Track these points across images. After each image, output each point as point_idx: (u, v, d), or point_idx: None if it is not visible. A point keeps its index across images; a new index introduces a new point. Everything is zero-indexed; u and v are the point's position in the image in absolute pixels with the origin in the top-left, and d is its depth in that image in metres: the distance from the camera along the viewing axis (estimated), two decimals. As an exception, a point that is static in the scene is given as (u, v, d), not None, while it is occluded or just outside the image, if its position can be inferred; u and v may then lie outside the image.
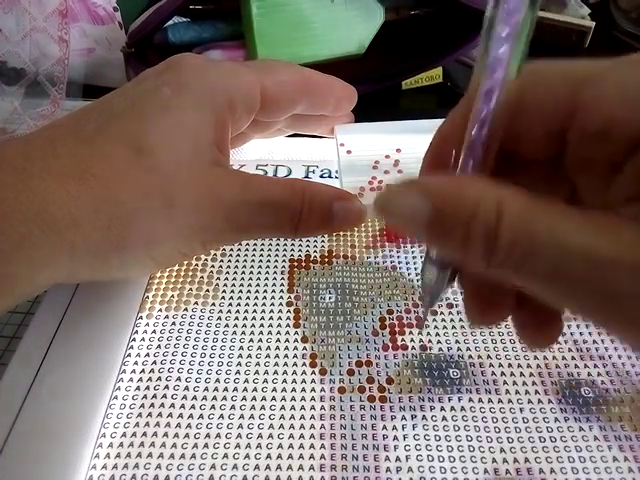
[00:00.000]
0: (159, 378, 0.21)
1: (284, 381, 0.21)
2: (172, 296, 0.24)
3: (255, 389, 0.21)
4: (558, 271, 0.13)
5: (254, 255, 0.26)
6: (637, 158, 0.13)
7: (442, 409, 0.20)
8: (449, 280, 0.17)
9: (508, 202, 0.13)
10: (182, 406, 0.20)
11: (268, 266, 0.26)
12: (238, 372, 0.21)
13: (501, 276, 0.14)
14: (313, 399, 0.21)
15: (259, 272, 0.26)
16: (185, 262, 0.26)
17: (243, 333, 0.23)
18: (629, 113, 0.13)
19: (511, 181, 0.13)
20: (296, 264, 0.26)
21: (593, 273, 0.12)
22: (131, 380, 0.21)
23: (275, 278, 0.25)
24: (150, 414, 0.20)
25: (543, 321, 0.17)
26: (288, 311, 0.24)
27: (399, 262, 0.26)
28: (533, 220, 0.13)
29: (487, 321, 0.18)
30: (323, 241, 0.27)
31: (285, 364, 0.22)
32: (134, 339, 0.22)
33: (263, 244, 0.27)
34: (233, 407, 0.20)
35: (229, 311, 0.24)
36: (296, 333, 0.23)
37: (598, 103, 0.13)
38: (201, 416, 0.20)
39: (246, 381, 0.21)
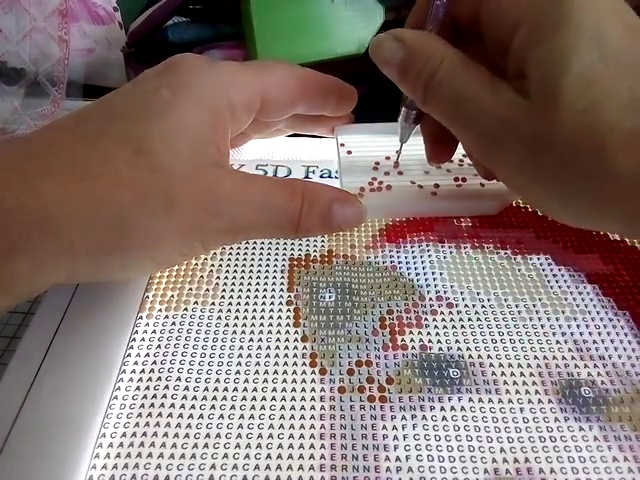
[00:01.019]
0: (159, 378, 0.21)
1: (284, 381, 0.21)
2: (172, 296, 0.24)
3: (255, 389, 0.21)
4: (456, 108, 0.20)
5: (254, 254, 0.26)
6: (514, 46, 0.19)
7: (442, 409, 0.20)
8: (415, 120, 0.25)
9: (448, 59, 0.20)
10: (182, 406, 0.20)
11: (268, 265, 0.26)
12: (238, 372, 0.21)
13: (430, 109, 0.21)
14: (313, 399, 0.21)
15: (259, 271, 0.26)
16: (185, 262, 0.26)
17: (243, 333, 0.23)
18: (508, 11, 0.19)
19: (457, 45, 0.20)
20: (296, 263, 0.26)
21: (477, 114, 0.19)
22: (131, 380, 0.21)
23: (275, 277, 0.25)
24: (150, 414, 0.20)
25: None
26: (288, 310, 0.24)
27: (399, 262, 0.26)
28: (455, 71, 0.19)
29: (439, 158, 0.27)
30: (323, 241, 0.27)
31: (285, 364, 0.22)
32: (134, 339, 0.22)
33: (263, 243, 0.27)
34: (233, 407, 0.20)
35: (229, 311, 0.24)
36: (296, 332, 0.23)
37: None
38: (201, 416, 0.20)
39: (246, 381, 0.21)
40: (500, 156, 0.20)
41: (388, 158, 0.29)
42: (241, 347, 0.22)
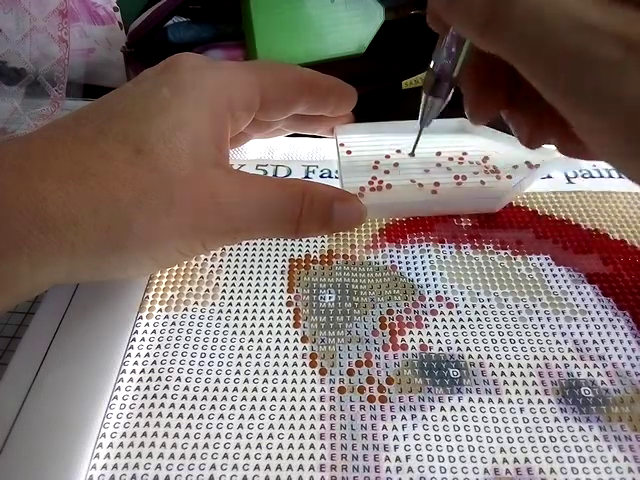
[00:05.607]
0: (159, 378, 0.21)
1: (284, 381, 0.21)
2: (172, 296, 0.24)
3: (255, 389, 0.21)
4: (544, 29, 0.14)
5: (254, 255, 0.26)
6: None
7: (442, 409, 0.20)
8: (446, 93, 0.22)
9: None
10: (182, 406, 0.20)
11: (268, 266, 0.26)
12: (238, 372, 0.21)
13: (498, 36, 0.15)
14: (313, 399, 0.21)
15: (259, 272, 0.26)
16: (185, 262, 0.26)
17: (243, 333, 0.23)
18: None
19: None
20: (296, 264, 0.26)
21: (577, 36, 0.14)
22: (131, 380, 0.21)
23: (275, 278, 0.25)
24: (150, 414, 0.20)
25: (534, 120, 0.19)
26: (288, 311, 0.24)
27: (399, 262, 0.26)
28: None
29: (483, 113, 0.23)
30: (323, 241, 0.27)
31: (285, 364, 0.22)
32: (134, 339, 0.22)
33: (263, 244, 0.27)
34: (233, 407, 0.20)
35: (229, 311, 0.24)
36: (296, 333, 0.23)
37: None
38: (201, 416, 0.20)
39: (246, 381, 0.21)
40: (615, 96, 0.14)
41: (388, 157, 0.29)
42: (241, 347, 0.22)
